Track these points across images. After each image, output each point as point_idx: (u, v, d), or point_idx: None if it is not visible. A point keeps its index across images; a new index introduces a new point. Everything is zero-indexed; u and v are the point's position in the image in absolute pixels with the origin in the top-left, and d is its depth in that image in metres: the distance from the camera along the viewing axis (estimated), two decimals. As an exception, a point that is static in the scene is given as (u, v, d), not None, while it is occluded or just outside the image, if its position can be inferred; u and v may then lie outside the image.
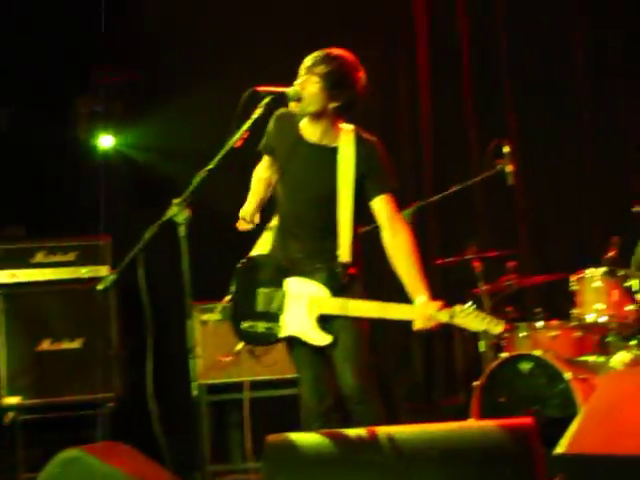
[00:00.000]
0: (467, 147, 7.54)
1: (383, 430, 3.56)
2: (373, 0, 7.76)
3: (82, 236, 7.06)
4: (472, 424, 3.88)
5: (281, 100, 4.21)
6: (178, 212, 3.94)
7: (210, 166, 4.03)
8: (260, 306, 4.35)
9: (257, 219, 4.52)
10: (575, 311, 5.77)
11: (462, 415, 5.91)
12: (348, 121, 4.37)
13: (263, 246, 4.52)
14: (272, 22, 7.61)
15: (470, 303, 4.01)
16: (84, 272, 6.94)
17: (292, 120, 4.37)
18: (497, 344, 6.19)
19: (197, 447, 4.37)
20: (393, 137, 7.49)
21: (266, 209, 4.56)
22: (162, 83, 7.68)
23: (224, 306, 4.51)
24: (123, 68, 7.58)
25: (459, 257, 6.47)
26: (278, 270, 4.36)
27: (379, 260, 4.33)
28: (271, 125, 4.42)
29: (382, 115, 7.42)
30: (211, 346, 6.61)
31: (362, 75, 4.29)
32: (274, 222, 4.52)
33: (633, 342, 5.70)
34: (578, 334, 5.93)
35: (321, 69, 4.20)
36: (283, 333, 4.31)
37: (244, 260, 4.49)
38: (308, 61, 4.26)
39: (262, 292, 4.36)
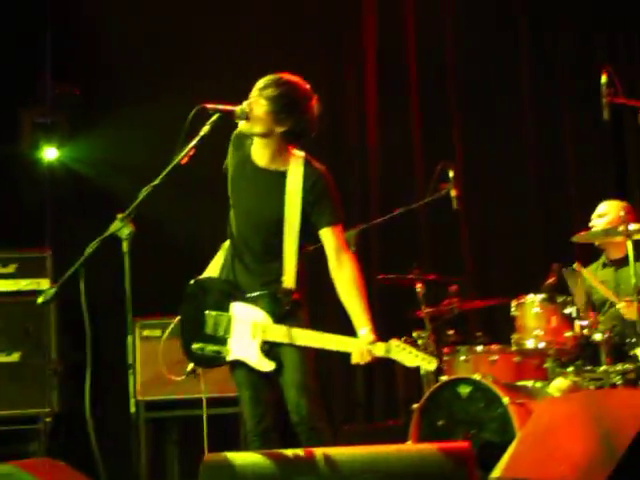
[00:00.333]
0: (413, 169, 7.59)
1: (321, 451, 3.56)
2: (322, 17, 7.80)
3: (23, 248, 6.96)
4: (410, 447, 3.90)
5: (229, 118, 4.18)
6: (122, 227, 3.90)
7: (155, 182, 3.99)
8: (208, 329, 4.35)
9: None
10: (515, 336, 5.82)
11: (401, 437, 5.92)
12: (300, 147, 4.37)
13: (215, 266, 4.50)
14: (220, 37, 7.62)
15: (405, 338, 4.03)
16: (24, 284, 6.85)
17: (245, 141, 4.38)
18: (438, 367, 6.20)
19: (133, 464, 4.31)
20: (340, 156, 7.53)
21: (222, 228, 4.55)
22: (107, 97, 7.64)
23: (175, 325, 4.49)
24: (67, 81, 7.52)
25: (402, 279, 6.50)
26: (225, 293, 4.36)
27: (328, 285, 4.33)
28: (230, 145, 4.44)
29: (329, 134, 7.43)
30: (151, 363, 6.56)
31: (313, 104, 4.29)
32: (227, 243, 4.51)
33: (570, 369, 5.76)
34: (517, 359, 5.99)
35: (269, 92, 4.21)
36: (230, 357, 4.31)
37: (193, 282, 4.47)
38: (260, 83, 4.26)
39: (210, 315, 4.36)
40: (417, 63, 7.71)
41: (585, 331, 5.63)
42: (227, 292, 4.35)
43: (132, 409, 3.98)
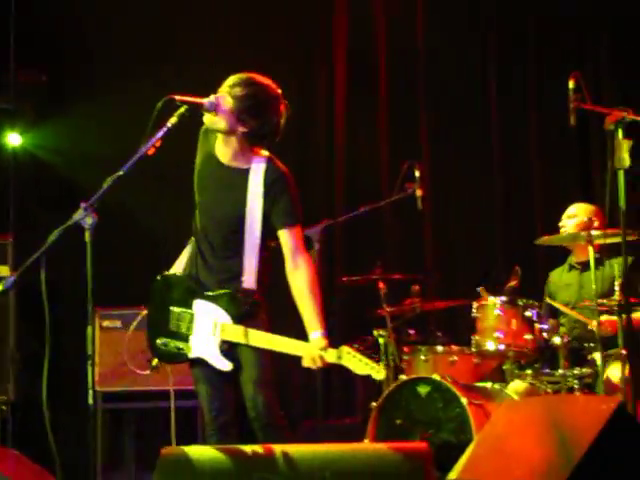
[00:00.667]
0: (379, 168, 7.59)
1: (280, 449, 3.56)
2: (293, 17, 7.79)
3: (-17, 234, 6.90)
4: (368, 447, 3.89)
5: (197, 111, 4.16)
6: (85, 216, 3.85)
7: (120, 172, 3.96)
8: (172, 325, 4.35)
9: None
10: (475, 338, 5.84)
11: (359, 435, 5.93)
12: (266, 148, 4.36)
13: (182, 262, 4.51)
14: (190, 33, 7.60)
15: (357, 346, 4.04)
16: (-17, 271, 6.78)
17: (210, 136, 4.37)
18: (397, 366, 6.23)
19: (90, 456, 4.29)
20: (306, 153, 7.52)
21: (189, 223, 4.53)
22: (73, 85, 7.60)
23: (142, 318, 4.51)
24: (33, 68, 7.45)
25: (364, 277, 6.51)
26: (189, 290, 4.35)
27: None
28: (199, 141, 4.43)
29: (297, 131, 7.42)
30: (111, 354, 6.54)
31: (280, 109, 4.27)
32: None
33: (529, 371, 5.80)
34: (476, 360, 6.02)
35: (237, 91, 4.19)
36: (191, 354, 4.31)
37: (159, 277, 4.47)
38: (230, 80, 4.24)
39: (174, 311, 4.35)
40: (386, 63, 7.71)
41: (545, 334, 5.67)
42: (191, 289, 4.34)
43: (90, 401, 3.94)
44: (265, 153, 4.34)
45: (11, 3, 7.38)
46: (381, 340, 6.32)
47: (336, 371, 7.48)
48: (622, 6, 7.27)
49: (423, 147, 7.53)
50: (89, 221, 3.85)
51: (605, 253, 5.86)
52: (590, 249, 5.44)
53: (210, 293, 4.28)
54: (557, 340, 5.56)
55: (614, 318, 5.31)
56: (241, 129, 4.21)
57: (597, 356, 5.42)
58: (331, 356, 4.04)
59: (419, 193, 6.01)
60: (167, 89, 4.17)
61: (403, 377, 5.96)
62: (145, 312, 4.54)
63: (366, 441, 5.71)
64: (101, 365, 6.53)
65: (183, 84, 6.94)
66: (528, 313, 5.71)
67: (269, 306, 4.37)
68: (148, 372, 4.45)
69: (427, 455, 3.43)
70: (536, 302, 5.85)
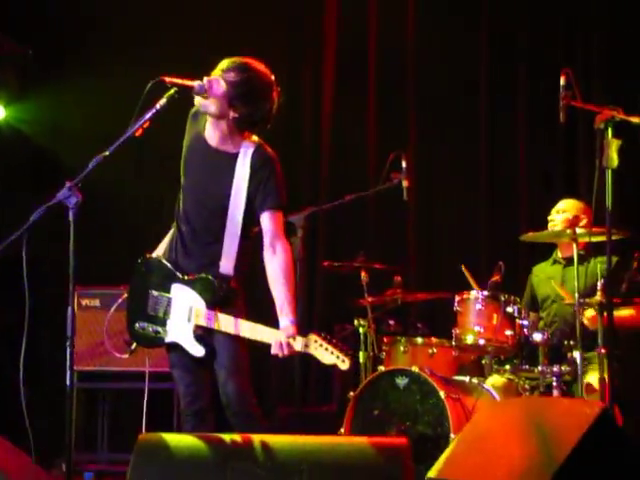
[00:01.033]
0: (365, 158, 7.56)
1: (259, 438, 3.53)
2: (283, 13, 7.76)
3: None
4: (347, 439, 3.87)
5: (186, 93, 4.11)
6: (69, 195, 3.81)
7: (107, 152, 3.91)
8: (150, 309, 4.32)
9: None
10: (456, 331, 5.82)
11: (335, 423, 5.92)
12: (256, 134, 4.32)
13: (164, 245, 4.47)
14: (179, 12, 7.56)
15: (324, 335, 4.01)
16: (-38, 244, 6.69)
17: (200, 118, 4.32)
18: (376, 356, 6.22)
19: (66, 436, 4.24)
20: (293, 141, 7.47)
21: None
22: (60, 59, 7.54)
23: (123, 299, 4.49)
24: (17, 40, 7.37)
25: (347, 264, 6.48)
26: (168, 274, 4.31)
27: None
28: (187, 123, 4.39)
29: (284, 118, 7.38)
30: (87, 333, 6.50)
31: (273, 97, 4.23)
32: None
33: (507, 367, 5.79)
34: (455, 354, 6.01)
35: (231, 76, 4.15)
36: (168, 339, 4.28)
37: (140, 260, 4.44)
38: (224, 63, 4.20)
39: (152, 295, 4.33)
40: (376, 56, 7.68)
41: (525, 331, 5.66)
42: (170, 273, 4.30)
43: (68, 382, 3.89)
44: (255, 139, 4.30)
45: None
46: (361, 330, 6.30)
47: (314, 358, 7.47)
48: (613, 4, 7.24)
49: (410, 139, 7.50)
50: (73, 200, 3.81)
51: (590, 251, 5.86)
52: (574, 246, 5.43)
53: (188, 278, 4.25)
54: (537, 337, 5.54)
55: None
56: (232, 114, 4.17)
57: (576, 355, 5.42)
58: (299, 344, 4.01)
59: (405, 184, 5.96)
60: (154, 69, 4.13)
61: (382, 368, 5.95)
62: (125, 294, 4.48)
63: (342, 430, 5.70)
64: (77, 344, 6.33)
65: (169, 65, 6.95)
66: (509, 309, 5.69)
67: (248, 294, 4.33)
68: (126, 356, 4.42)
69: (406, 450, 3.42)
70: (518, 298, 5.84)
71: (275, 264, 4.17)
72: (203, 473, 3.45)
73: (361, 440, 3.57)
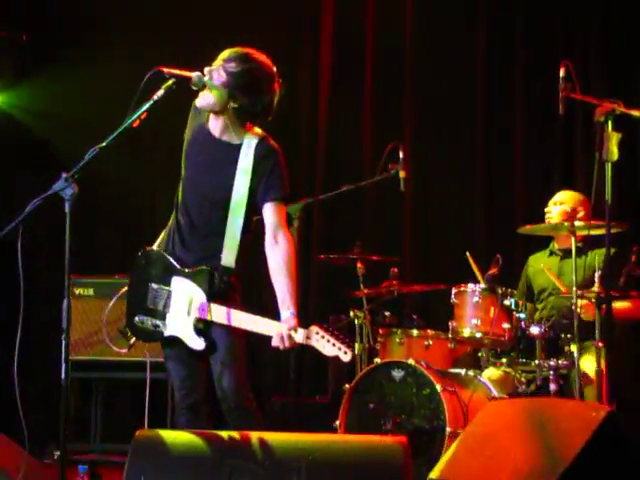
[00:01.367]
0: (361, 148, 7.53)
1: (256, 435, 3.50)
2: (281, 8, 7.71)
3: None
4: (346, 438, 3.83)
5: (184, 84, 4.06)
6: (65, 187, 3.76)
7: (103, 143, 3.87)
8: (149, 302, 4.26)
9: None
10: (452, 323, 5.81)
11: (329, 415, 5.91)
12: (259, 126, 4.27)
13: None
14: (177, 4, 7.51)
15: (326, 326, 3.98)
16: (-47, 231, 6.64)
17: (204, 110, 4.25)
18: (372, 348, 6.20)
19: (59, 424, 4.21)
20: (290, 130, 7.41)
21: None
22: (55, 46, 7.49)
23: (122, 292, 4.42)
24: (15, 27, 7.32)
25: (342, 256, 6.46)
26: (168, 267, 4.25)
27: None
28: (190, 113, 4.33)
29: (280, 108, 7.34)
30: (81, 322, 6.47)
31: (274, 88, 4.18)
32: None
33: (504, 359, 5.77)
34: (451, 346, 5.99)
35: (232, 66, 4.09)
36: (167, 332, 4.22)
37: (140, 252, 4.37)
38: (225, 53, 4.14)
39: (152, 288, 4.26)
40: (373, 46, 7.65)
41: (522, 324, 5.64)
42: (170, 265, 4.24)
43: (63, 374, 3.85)
44: (258, 131, 4.25)
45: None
46: (357, 321, 6.29)
47: (309, 348, 7.45)
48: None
49: (406, 130, 7.46)
50: (69, 192, 3.76)
51: (588, 243, 5.83)
52: (572, 239, 5.40)
53: (188, 270, 4.20)
54: (534, 330, 5.52)
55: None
56: (232, 104, 4.11)
57: (574, 348, 5.40)
58: (300, 336, 3.96)
59: (402, 174, 5.92)
60: (150, 59, 4.10)
61: (377, 360, 5.92)
62: (124, 288, 4.42)
63: (337, 423, 5.68)
64: (71, 333, 6.38)
65: (166, 56, 6.93)
66: (507, 302, 5.68)
67: (247, 287, 4.30)
68: (125, 350, 4.37)
69: (405, 448, 3.38)
70: (515, 291, 5.82)
71: (277, 255, 4.12)
72: (201, 470, 3.41)
73: (360, 438, 3.54)
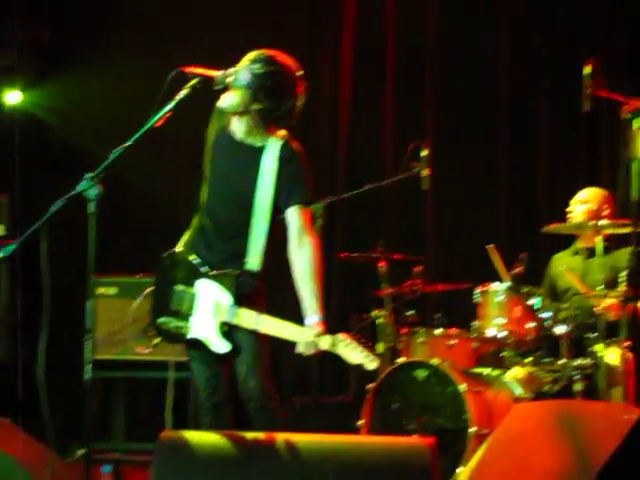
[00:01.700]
0: (383, 147, 7.49)
1: (282, 437, 3.48)
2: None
3: (-23, 192, 6.80)
4: (373, 440, 3.81)
5: (208, 83, 4.04)
6: (89, 187, 3.74)
7: (127, 143, 3.86)
8: (174, 304, 4.25)
9: None
10: (476, 323, 5.78)
11: (351, 414, 5.88)
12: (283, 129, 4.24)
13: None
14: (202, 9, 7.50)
15: (353, 334, 3.95)
16: (-23, 230, 6.69)
17: (226, 112, 4.23)
18: (394, 347, 6.17)
19: (82, 423, 4.21)
20: (311, 129, 7.39)
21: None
22: (77, 45, 7.51)
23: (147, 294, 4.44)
24: (37, 26, 7.32)
25: (365, 255, 6.43)
26: (193, 269, 4.24)
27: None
28: (213, 115, 4.32)
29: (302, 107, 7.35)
30: (104, 321, 6.46)
31: (298, 92, 4.15)
32: None
33: (529, 359, 5.74)
34: (475, 345, 5.95)
35: (257, 68, 4.07)
36: (191, 334, 4.22)
37: (166, 254, 4.37)
38: (251, 55, 4.12)
39: (177, 290, 4.26)
40: (395, 43, 7.60)
41: (547, 323, 5.60)
42: (194, 268, 4.23)
43: (86, 375, 3.84)
44: (282, 133, 4.23)
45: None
46: (379, 320, 6.25)
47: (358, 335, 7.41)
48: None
49: (429, 128, 7.42)
50: (93, 192, 3.75)
51: (613, 242, 5.79)
52: (598, 238, 5.36)
53: (213, 273, 4.18)
54: (559, 330, 5.48)
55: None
56: (255, 106, 4.09)
57: (599, 348, 5.37)
58: (325, 343, 3.94)
59: (425, 173, 5.91)
60: (172, 56, 4.08)
61: (401, 360, 5.88)
62: (149, 288, 4.42)
63: (361, 423, 5.65)
64: (95, 332, 6.43)
65: (187, 52, 6.91)
66: (531, 301, 5.64)
67: (268, 290, 4.28)
68: (149, 350, 4.37)
69: (433, 450, 3.35)
70: (539, 290, 5.78)
71: (303, 260, 4.09)
72: (228, 472, 3.40)
73: (387, 440, 3.52)
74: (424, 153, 5.91)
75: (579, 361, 5.42)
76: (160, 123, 3.93)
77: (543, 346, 5.70)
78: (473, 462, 3.44)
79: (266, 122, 4.15)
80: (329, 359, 7.11)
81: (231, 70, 4.09)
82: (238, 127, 4.21)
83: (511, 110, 7.42)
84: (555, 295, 6.10)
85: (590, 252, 5.90)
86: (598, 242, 5.34)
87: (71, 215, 3.80)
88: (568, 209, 6.05)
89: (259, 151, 4.18)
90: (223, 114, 4.25)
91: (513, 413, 3.91)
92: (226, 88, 4.09)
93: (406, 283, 6.36)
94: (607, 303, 5.40)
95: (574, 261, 6.08)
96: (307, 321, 4.03)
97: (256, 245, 4.16)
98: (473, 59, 7.46)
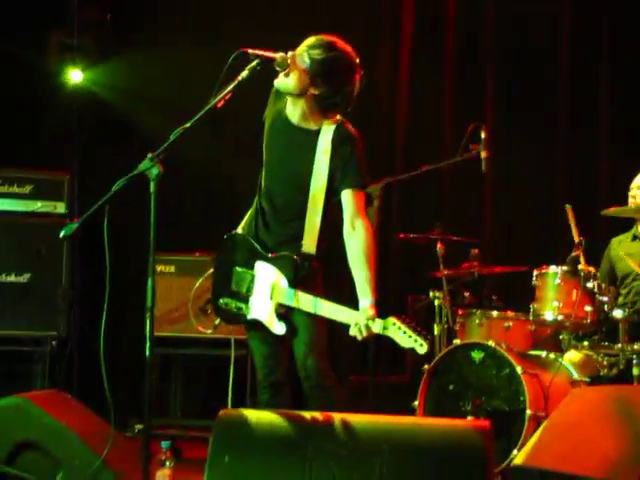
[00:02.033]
0: (442, 128, 7.48)
1: (338, 417, 3.51)
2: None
3: (40, 169, 6.88)
4: (428, 421, 3.82)
5: (269, 65, 4.06)
6: (150, 167, 3.78)
7: (188, 124, 3.89)
8: (234, 285, 4.30)
9: None
10: (534, 306, 5.75)
11: (407, 395, 5.89)
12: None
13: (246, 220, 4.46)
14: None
15: (403, 317, 3.95)
16: (39, 206, 6.80)
17: (283, 95, 4.26)
18: (451, 328, 6.17)
19: (141, 399, 4.27)
20: (369, 111, 7.38)
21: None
22: (137, 26, 7.55)
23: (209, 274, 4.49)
24: (97, 5, 7.39)
25: (423, 236, 6.42)
26: (252, 251, 4.28)
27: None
28: (270, 96, 4.35)
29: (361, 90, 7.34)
30: (163, 298, 6.53)
31: (355, 79, 4.16)
32: None
33: (586, 342, 5.71)
34: (532, 328, 5.93)
35: (317, 53, 4.08)
36: (250, 315, 4.26)
37: (227, 236, 4.42)
38: (311, 40, 4.14)
39: (237, 271, 4.30)
40: (455, 28, 7.59)
41: (605, 307, 5.55)
42: (254, 249, 4.27)
43: (147, 352, 3.90)
44: (337, 117, 4.24)
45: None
46: (436, 302, 6.26)
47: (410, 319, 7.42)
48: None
49: (487, 111, 7.40)
50: (155, 172, 3.78)
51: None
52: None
53: (270, 255, 4.22)
54: (618, 313, 5.44)
55: None
56: (312, 91, 4.11)
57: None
58: (377, 326, 3.95)
59: (484, 155, 5.87)
60: (230, 38, 4.07)
61: (457, 341, 5.88)
62: (210, 269, 4.48)
63: (416, 403, 5.67)
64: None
65: (246, 34, 6.93)
66: (589, 284, 5.59)
67: (327, 273, 4.29)
68: (210, 331, 4.42)
69: (488, 433, 3.36)
70: (598, 273, 5.73)
71: (355, 243, 4.10)
72: (284, 451, 3.43)
73: (442, 422, 3.53)
74: (483, 135, 5.86)
75: (637, 345, 5.36)
76: (221, 104, 3.95)
77: (601, 330, 5.66)
78: (529, 445, 3.43)
79: (322, 107, 4.17)
80: (386, 339, 7.25)
81: (290, 53, 4.10)
82: (293, 111, 4.23)
83: (571, 95, 7.35)
84: (614, 278, 6.06)
85: (650, 237, 5.84)
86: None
87: (132, 193, 3.86)
88: (630, 193, 5.98)
89: (314, 134, 4.20)
90: (279, 97, 4.28)
91: (571, 397, 3.90)
92: (286, 69, 4.10)
93: (463, 265, 6.36)
94: None
95: (634, 247, 6.03)
96: (360, 304, 4.04)
97: (312, 228, 4.18)
98: (534, 42, 7.40)
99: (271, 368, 4.34)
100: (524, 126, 7.41)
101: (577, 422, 3.53)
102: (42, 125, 7.35)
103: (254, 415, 3.60)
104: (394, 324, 3.92)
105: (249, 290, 4.24)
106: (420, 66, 7.61)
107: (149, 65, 7.33)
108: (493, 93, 7.48)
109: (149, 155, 3.79)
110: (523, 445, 4.89)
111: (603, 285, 5.64)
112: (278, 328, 4.17)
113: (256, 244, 4.28)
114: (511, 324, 5.96)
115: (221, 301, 4.32)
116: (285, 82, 4.13)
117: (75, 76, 7.43)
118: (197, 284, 4.77)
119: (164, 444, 4.13)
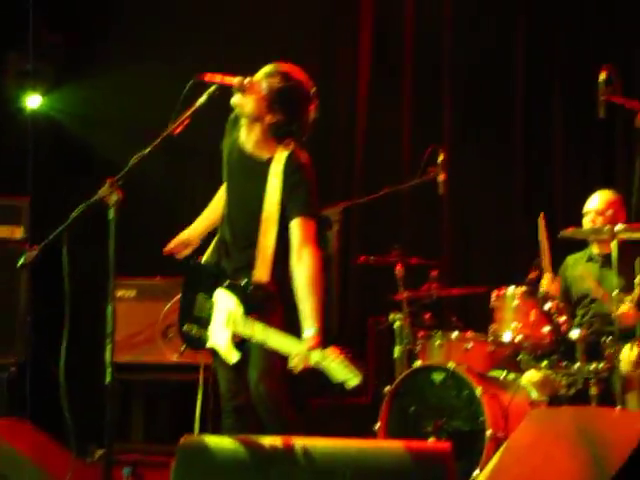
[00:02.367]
0: (400, 151, 7.52)
1: (299, 442, 3.52)
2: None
3: (-1, 195, 6.85)
4: (390, 444, 3.82)
5: (226, 90, 4.10)
6: (109, 193, 3.79)
7: (146, 150, 3.90)
8: (196, 311, 4.34)
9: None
10: (492, 327, 5.79)
11: (368, 417, 5.90)
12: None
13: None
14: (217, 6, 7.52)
15: (343, 348, 3.94)
16: (-3, 231, 6.74)
17: (238, 124, 4.33)
18: (411, 350, 6.19)
19: (100, 425, 4.25)
20: (328, 134, 7.42)
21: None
22: (96, 50, 7.55)
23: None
24: (57, 30, 7.38)
25: (382, 259, 6.46)
26: (214, 278, 4.31)
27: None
28: (227, 127, 4.41)
29: (319, 109, 7.37)
30: (123, 324, 6.49)
31: (311, 109, 4.24)
32: None
33: (544, 363, 5.75)
34: (491, 349, 5.96)
35: (274, 81, 4.17)
36: (209, 343, 4.29)
37: (192, 262, 4.47)
38: (269, 68, 4.21)
39: (199, 298, 4.34)
40: (413, 46, 7.66)
41: (562, 327, 5.61)
42: (215, 277, 4.30)
43: (107, 378, 3.88)
44: (289, 145, 4.27)
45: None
46: (397, 324, 6.28)
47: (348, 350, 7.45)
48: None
49: (444, 133, 7.46)
50: (114, 198, 3.79)
51: (628, 249, 5.78)
52: (613, 244, 5.34)
53: (227, 283, 4.24)
54: (574, 334, 5.50)
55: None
56: (269, 118, 4.16)
57: (614, 352, 5.37)
58: (315, 357, 3.90)
59: (441, 178, 5.94)
60: (189, 60, 4.09)
61: (418, 363, 5.91)
62: (177, 295, 4.53)
63: (378, 426, 5.68)
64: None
65: (204, 55, 6.94)
66: (547, 305, 5.65)
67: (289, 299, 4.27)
68: (176, 356, 4.45)
69: (450, 456, 3.38)
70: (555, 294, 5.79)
71: (301, 272, 4.09)
72: (246, 476, 3.44)
73: (404, 445, 3.54)
74: (441, 158, 5.92)
75: (594, 365, 5.42)
76: (178, 130, 3.98)
77: (559, 350, 5.71)
78: (489, 467, 3.46)
79: (278, 135, 4.22)
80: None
81: (249, 79, 4.15)
82: (248, 137, 4.28)
83: (527, 115, 7.44)
84: (569, 298, 6.09)
85: (605, 259, 5.86)
86: (614, 248, 5.32)
87: (90, 219, 3.86)
88: (587, 217, 6.00)
89: (266, 163, 4.25)
90: (235, 126, 4.34)
91: (529, 419, 3.93)
92: (243, 93, 4.14)
93: (423, 287, 6.40)
94: (623, 310, 5.40)
95: (589, 268, 6.06)
96: (304, 334, 4.01)
97: (264, 255, 4.19)
98: (490, 61, 7.49)
99: (234, 392, 4.35)
100: (480, 146, 7.48)
101: (536, 444, 3.56)
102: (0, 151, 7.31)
103: (216, 441, 3.60)
104: (330, 356, 3.88)
105: (209, 317, 4.26)
106: (378, 88, 7.65)
107: (106, 89, 7.31)
108: (450, 114, 7.54)
109: (108, 181, 3.80)
110: (484, 465, 4.92)
111: (561, 305, 5.70)
112: (231, 356, 4.19)
113: (217, 271, 4.31)
114: (471, 345, 6.00)
115: (185, 327, 4.34)
116: (242, 104, 4.17)
117: (33, 101, 7.41)
118: (165, 309, 4.80)
119: (126, 470, 4.14)
